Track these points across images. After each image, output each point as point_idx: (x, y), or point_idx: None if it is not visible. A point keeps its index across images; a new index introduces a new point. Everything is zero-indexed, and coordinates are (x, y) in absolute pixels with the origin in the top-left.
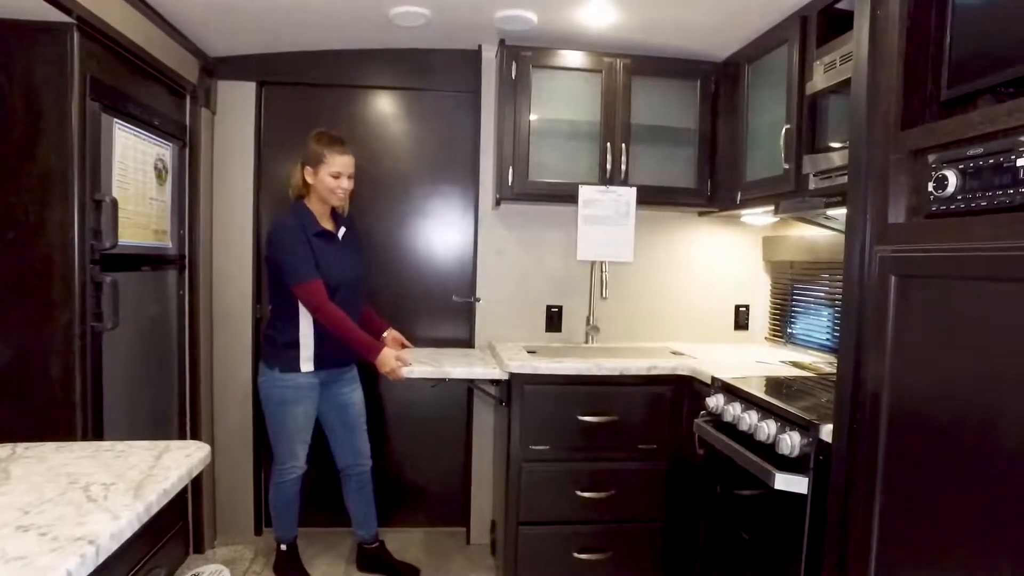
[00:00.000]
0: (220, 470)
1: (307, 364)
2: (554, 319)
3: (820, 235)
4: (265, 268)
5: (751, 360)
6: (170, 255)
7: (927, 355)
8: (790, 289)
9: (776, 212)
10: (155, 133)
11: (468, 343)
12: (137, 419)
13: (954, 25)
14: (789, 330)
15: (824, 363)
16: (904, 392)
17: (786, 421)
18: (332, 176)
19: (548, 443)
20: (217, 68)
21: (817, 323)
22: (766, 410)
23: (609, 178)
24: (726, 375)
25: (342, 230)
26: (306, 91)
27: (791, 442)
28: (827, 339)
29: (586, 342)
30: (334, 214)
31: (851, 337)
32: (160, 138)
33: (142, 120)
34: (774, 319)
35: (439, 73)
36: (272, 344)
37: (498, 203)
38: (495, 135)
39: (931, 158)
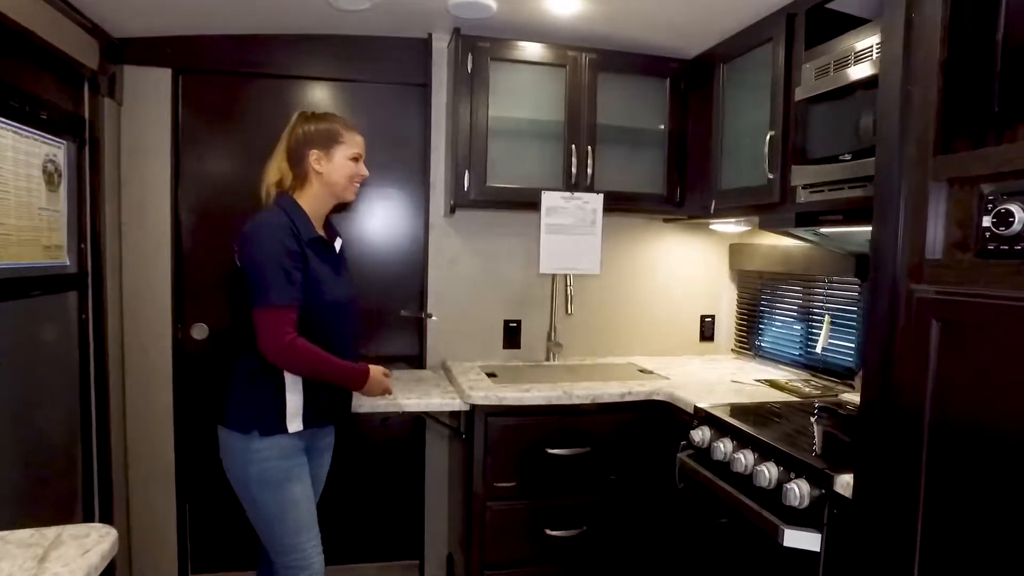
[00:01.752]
0: (140, 537)
1: (295, 422)
2: (512, 335)
3: (793, 245)
4: (228, 285)
5: (725, 379)
6: (68, 274)
7: (981, 413)
8: (758, 300)
9: (761, 226)
10: (42, 129)
11: (418, 362)
12: (21, 488)
13: (1008, 30)
14: (757, 342)
15: (799, 381)
16: (951, 449)
17: (789, 465)
18: (352, 159)
19: (514, 479)
20: (124, 51)
21: (788, 337)
22: (763, 450)
23: (574, 184)
24: (706, 401)
25: (338, 241)
26: (233, 81)
27: (799, 492)
28: (799, 354)
29: (547, 359)
30: (327, 220)
31: (879, 386)
32: (49, 135)
33: (23, 113)
34: (740, 331)
35: (385, 63)
36: (244, 397)
37: (453, 210)
38: (449, 134)
39: (987, 189)
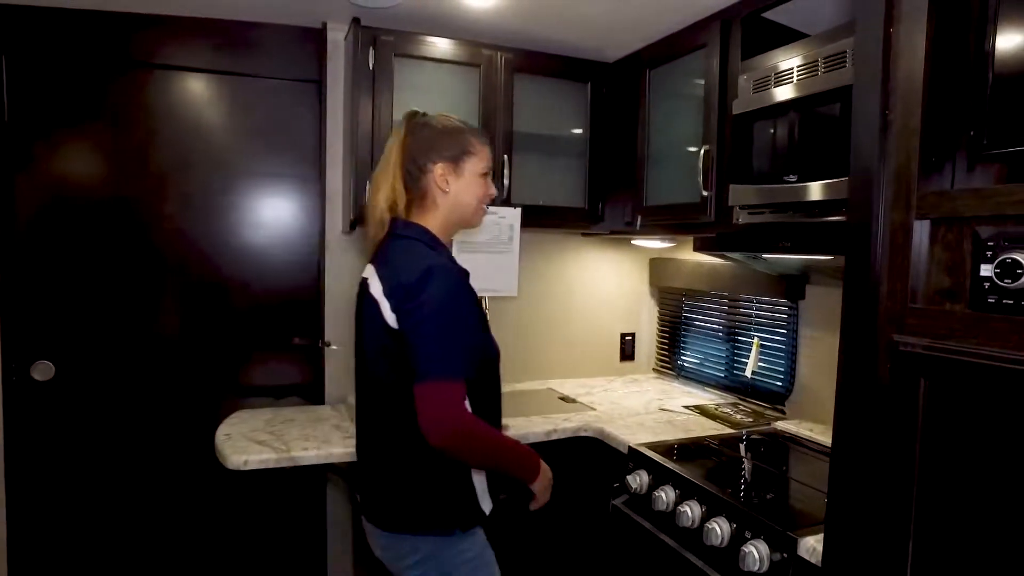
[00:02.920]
0: None
1: (486, 501)
2: None
3: (720, 263)
4: (379, 357)
5: (652, 406)
6: None
7: (976, 487)
8: (680, 317)
9: (697, 249)
10: None
11: (315, 395)
12: None
13: (1000, 45)
14: (679, 362)
15: (728, 406)
16: (944, 527)
17: (743, 522)
18: (483, 175)
19: None
20: None
21: (713, 357)
22: (711, 502)
23: None
24: (639, 437)
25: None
26: (78, 68)
27: (758, 555)
28: (724, 375)
29: None
30: None
31: (854, 448)
32: None
33: None
34: (662, 350)
35: (269, 54)
36: (432, 490)
37: (352, 226)
38: (348, 139)
39: (985, 232)
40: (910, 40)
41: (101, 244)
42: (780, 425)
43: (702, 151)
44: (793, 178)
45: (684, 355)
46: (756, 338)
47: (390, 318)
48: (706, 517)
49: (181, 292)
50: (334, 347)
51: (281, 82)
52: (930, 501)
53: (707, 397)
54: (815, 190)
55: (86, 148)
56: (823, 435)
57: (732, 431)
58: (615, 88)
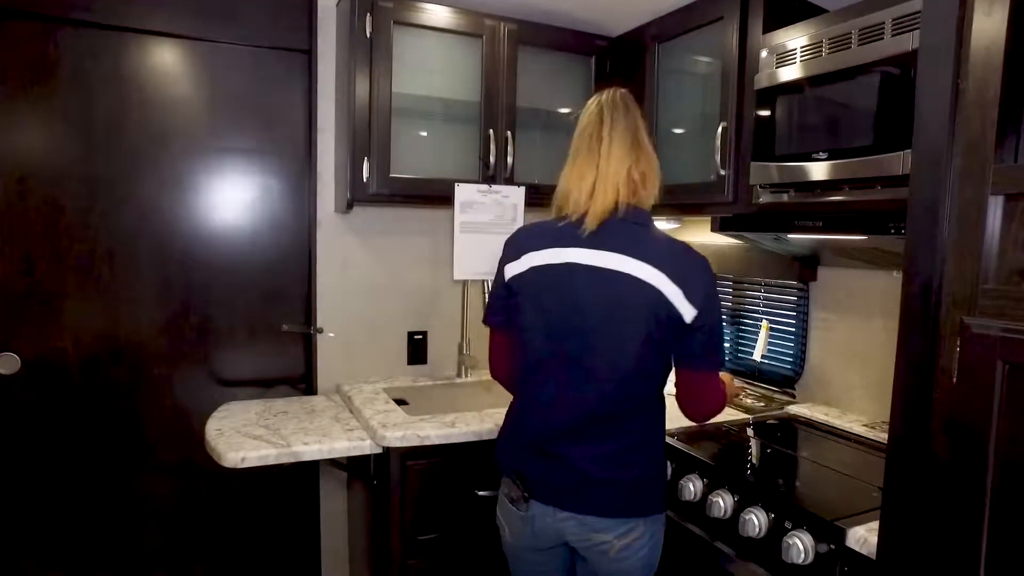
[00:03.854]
0: None
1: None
2: (418, 349)
3: (728, 245)
4: (642, 345)
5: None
6: None
7: None
8: None
9: (716, 229)
10: None
11: (305, 385)
12: None
13: None
14: None
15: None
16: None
17: (781, 511)
18: None
19: (437, 529)
20: None
21: None
22: (744, 491)
23: (492, 175)
24: None
25: None
26: (35, 28)
27: (802, 546)
28: (729, 359)
29: (459, 376)
30: None
31: (915, 437)
32: None
33: None
34: None
35: (252, 20)
36: (657, 473)
37: (350, 205)
38: (348, 112)
39: None
40: (987, 4)
41: (67, 227)
42: (793, 409)
43: (719, 128)
44: (823, 155)
45: None
46: (765, 321)
47: (683, 307)
48: (739, 507)
49: (156, 277)
50: (330, 335)
51: (265, 51)
52: (1010, 486)
53: None
54: (847, 168)
55: (36, 122)
56: (839, 419)
57: (744, 415)
58: (620, 64)
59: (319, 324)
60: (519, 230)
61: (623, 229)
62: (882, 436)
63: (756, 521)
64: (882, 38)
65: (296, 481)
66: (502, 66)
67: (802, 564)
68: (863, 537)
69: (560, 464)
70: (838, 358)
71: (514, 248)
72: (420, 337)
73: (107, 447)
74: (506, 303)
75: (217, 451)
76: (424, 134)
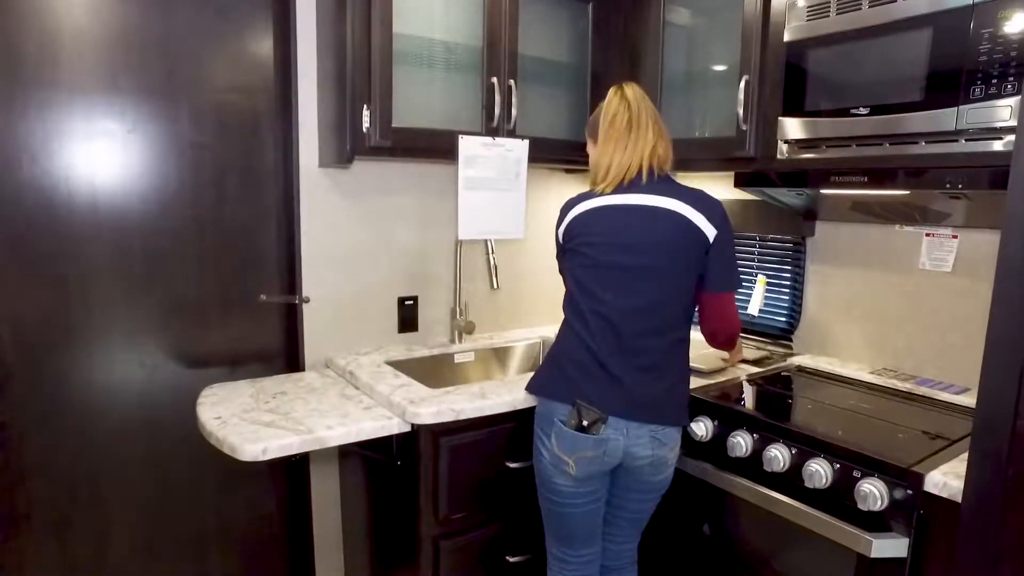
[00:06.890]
0: None
1: None
2: (409, 315)
3: (729, 200)
4: (683, 270)
5: None
6: None
7: None
8: None
9: (739, 184)
10: None
11: (288, 360)
12: None
13: None
14: None
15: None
16: None
17: (845, 459)
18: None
19: (469, 507)
20: None
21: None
22: (800, 442)
23: (495, 127)
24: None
25: None
26: None
27: (878, 492)
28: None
29: (453, 342)
30: None
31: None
32: None
33: None
34: None
35: None
36: (686, 387)
37: (350, 159)
38: (331, 54)
39: None
40: None
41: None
42: (796, 360)
43: (742, 82)
44: (863, 111)
45: None
46: (761, 276)
47: (707, 229)
48: (799, 459)
49: (113, 244)
50: (312, 302)
51: None
52: None
53: None
54: (891, 123)
55: None
56: (842, 368)
57: (754, 368)
58: (622, 11)
59: (304, 294)
60: (567, 201)
61: (654, 182)
62: (893, 383)
63: (822, 472)
64: None
65: (283, 461)
66: (505, 8)
67: (879, 510)
68: (942, 481)
69: (624, 383)
70: (835, 309)
71: (566, 208)
72: (411, 302)
73: (58, 444)
74: (564, 249)
75: (229, 443)
76: (424, 81)
